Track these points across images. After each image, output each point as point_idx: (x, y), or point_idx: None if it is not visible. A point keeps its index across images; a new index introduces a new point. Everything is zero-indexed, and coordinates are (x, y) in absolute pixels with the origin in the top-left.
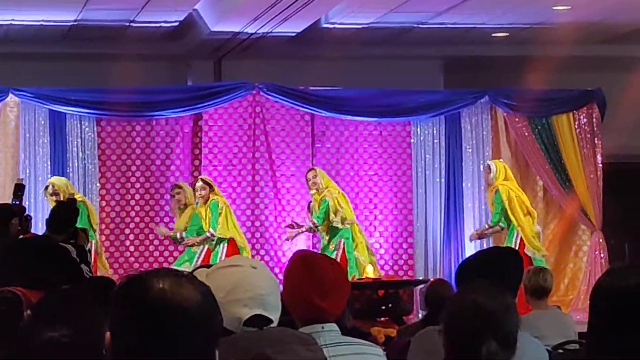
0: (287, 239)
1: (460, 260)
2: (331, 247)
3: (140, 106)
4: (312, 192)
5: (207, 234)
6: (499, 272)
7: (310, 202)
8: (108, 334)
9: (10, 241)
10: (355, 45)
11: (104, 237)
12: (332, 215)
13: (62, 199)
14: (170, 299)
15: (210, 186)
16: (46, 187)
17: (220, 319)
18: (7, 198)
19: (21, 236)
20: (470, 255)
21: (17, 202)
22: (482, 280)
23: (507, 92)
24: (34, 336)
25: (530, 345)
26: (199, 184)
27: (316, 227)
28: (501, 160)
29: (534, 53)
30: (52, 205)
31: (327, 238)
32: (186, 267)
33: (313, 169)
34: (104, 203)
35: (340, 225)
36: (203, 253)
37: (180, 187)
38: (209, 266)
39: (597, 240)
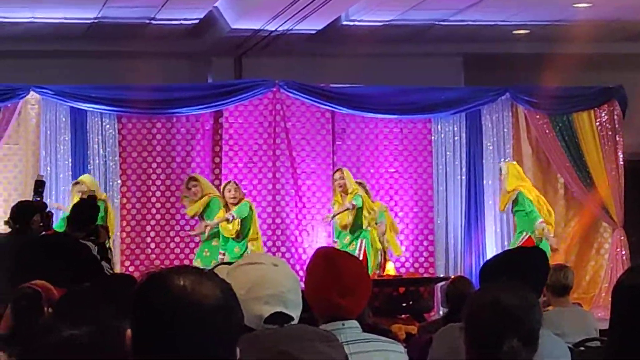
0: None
1: (481, 258)
2: (352, 247)
3: (160, 103)
4: (336, 193)
5: (228, 216)
6: (523, 271)
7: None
8: (129, 331)
9: (30, 238)
10: (375, 42)
11: (124, 234)
12: (365, 212)
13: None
14: (191, 296)
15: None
16: (76, 183)
17: (241, 316)
18: (28, 195)
19: (43, 232)
20: (494, 255)
21: (38, 199)
22: (505, 278)
23: (527, 89)
24: (54, 333)
25: (552, 343)
26: (233, 185)
27: (354, 207)
28: (513, 162)
29: (554, 50)
30: (72, 197)
31: (348, 238)
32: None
33: (340, 169)
34: (124, 200)
35: (365, 226)
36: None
37: (196, 180)
38: (230, 263)
39: (619, 238)
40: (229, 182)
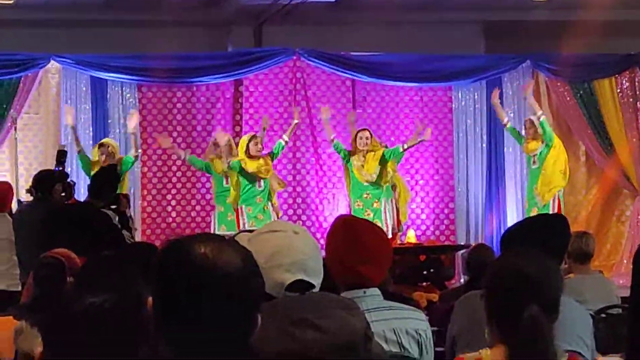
0: None
1: (502, 225)
2: (376, 204)
3: (181, 72)
4: (361, 149)
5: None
6: (544, 238)
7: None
8: (150, 298)
9: (52, 208)
10: (395, 10)
11: (145, 203)
12: (389, 168)
13: (110, 161)
14: (212, 264)
15: None
16: (101, 145)
17: (262, 284)
18: (48, 164)
19: (65, 202)
20: (515, 223)
21: (60, 168)
22: (526, 246)
23: (548, 56)
24: (76, 301)
25: (573, 310)
26: (259, 139)
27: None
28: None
29: (575, 17)
30: (94, 157)
31: (369, 194)
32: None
33: (366, 129)
34: (145, 169)
35: (383, 182)
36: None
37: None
38: (250, 231)
39: None
40: (255, 135)
